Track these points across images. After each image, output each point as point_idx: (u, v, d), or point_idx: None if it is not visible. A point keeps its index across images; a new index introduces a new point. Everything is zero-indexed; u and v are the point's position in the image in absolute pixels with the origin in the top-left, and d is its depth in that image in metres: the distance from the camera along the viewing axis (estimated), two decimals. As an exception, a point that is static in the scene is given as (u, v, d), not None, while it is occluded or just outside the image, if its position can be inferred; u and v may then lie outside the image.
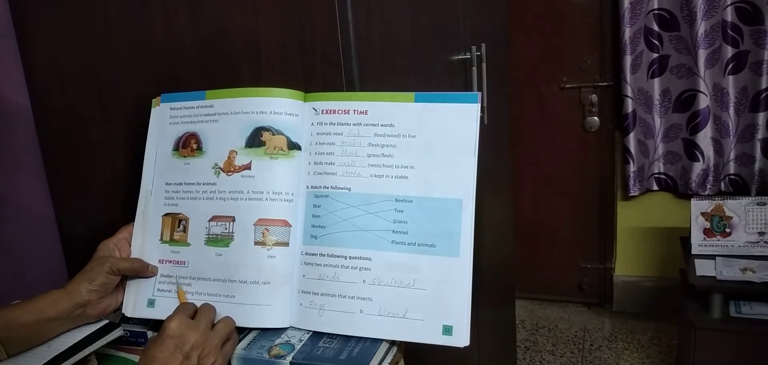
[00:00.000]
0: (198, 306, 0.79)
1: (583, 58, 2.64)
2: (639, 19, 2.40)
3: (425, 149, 0.79)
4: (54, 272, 1.11)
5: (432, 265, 0.76)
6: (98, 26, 0.96)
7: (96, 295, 0.81)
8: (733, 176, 2.43)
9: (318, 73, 0.86)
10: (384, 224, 0.78)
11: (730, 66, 2.31)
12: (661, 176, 2.57)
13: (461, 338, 0.75)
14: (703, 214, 2.07)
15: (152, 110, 0.90)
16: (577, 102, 2.69)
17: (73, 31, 0.98)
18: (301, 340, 0.78)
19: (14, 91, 1.03)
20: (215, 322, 0.77)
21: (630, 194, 2.60)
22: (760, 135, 2.32)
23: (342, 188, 0.81)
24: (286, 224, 0.81)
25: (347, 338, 0.78)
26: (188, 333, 0.72)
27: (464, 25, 1.39)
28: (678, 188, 2.54)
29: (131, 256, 0.87)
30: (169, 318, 0.73)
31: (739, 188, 2.43)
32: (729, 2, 2.25)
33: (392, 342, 0.78)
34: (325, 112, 0.83)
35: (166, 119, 0.89)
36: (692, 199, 2.10)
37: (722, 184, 2.45)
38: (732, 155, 2.41)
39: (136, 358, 0.87)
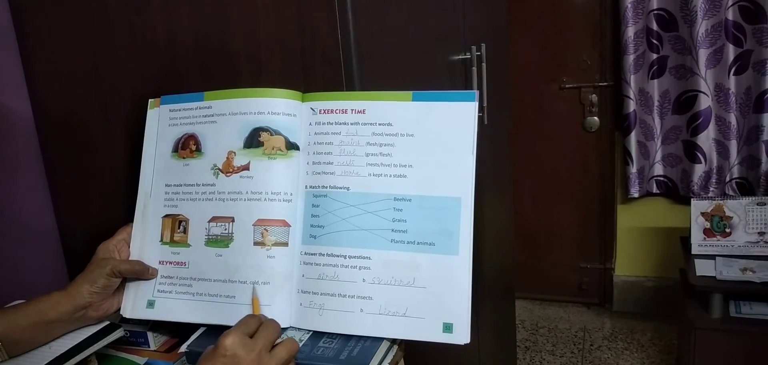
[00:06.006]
0: (265, 319, 0.75)
1: (583, 58, 2.64)
2: (640, 18, 2.40)
3: (423, 148, 0.79)
4: (54, 273, 1.11)
5: (431, 263, 0.76)
6: (98, 27, 0.96)
7: (97, 297, 0.81)
8: (738, 180, 2.41)
9: (318, 73, 0.86)
10: (383, 223, 0.78)
11: (734, 66, 2.29)
12: (661, 178, 2.56)
13: (461, 335, 0.75)
14: (703, 214, 2.07)
15: (149, 111, 0.90)
16: (577, 102, 2.70)
17: (74, 32, 0.98)
18: (301, 340, 0.78)
19: (14, 93, 1.03)
20: (277, 343, 0.72)
21: (630, 196, 2.60)
22: (765, 136, 2.30)
23: (340, 188, 0.81)
24: (285, 224, 0.81)
25: (347, 337, 0.78)
26: (242, 352, 0.67)
27: (464, 25, 1.40)
28: (678, 191, 2.53)
29: (131, 257, 0.87)
30: (227, 333, 0.68)
31: (745, 191, 2.40)
32: (731, 1, 2.24)
33: (393, 341, 0.78)
34: (322, 112, 0.83)
35: (166, 121, 0.89)
36: (692, 199, 2.10)
37: (728, 187, 2.42)
38: (737, 158, 2.39)
39: (136, 358, 0.87)
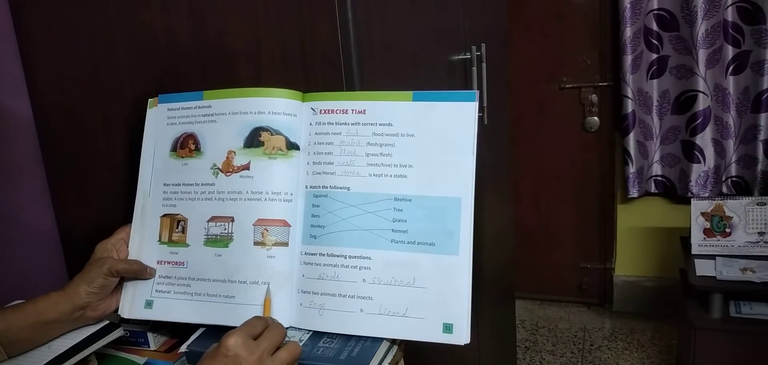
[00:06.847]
0: (272, 321, 0.74)
1: (583, 58, 2.64)
2: (639, 18, 2.40)
3: (424, 148, 0.79)
4: (54, 274, 1.11)
5: (431, 263, 0.76)
6: (98, 27, 0.96)
7: (95, 297, 0.81)
8: (735, 178, 2.42)
9: (318, 73, 0.86)
10: (383, 223, 0.78)
11: (732, 66, 2.30)
12: (660, 178, 2.56)
13: (461, 335, 0.75)
14: (703, 214, 2.07)
15: (148, 110, 0.90)
16: (577, 102, 2.70)
17: (74, 32, 0.98)
18: (301, 340, 0.78)
19: (14, 93, 1.03)
20: (282, 345, 0.72)
21: (629, 196, 2.60)
22: (762, 136, 2.30)
23: (341, 188, 0.81)
24: (286, 224, 0.81)
25: (347, 337, 0.78)
26: (244, 354, 0.67)
27: (464, 25, 1.40)
28: (677, 191, 2.53)
29: (129, 257, 0.86)
30: (230, 333, 0.68)
31: (741, 190, 2.41)
32: (730, 2, 2.24)
33: (392, 341, 0.78)
34: (323, 112, 0.83)
35: (164, 120, 0.89)
36: (692, 199, 2.10)
37: (724, 186, 2.43)
38: (734, 157, 2.40)
39: (136, 358, 0.87)
